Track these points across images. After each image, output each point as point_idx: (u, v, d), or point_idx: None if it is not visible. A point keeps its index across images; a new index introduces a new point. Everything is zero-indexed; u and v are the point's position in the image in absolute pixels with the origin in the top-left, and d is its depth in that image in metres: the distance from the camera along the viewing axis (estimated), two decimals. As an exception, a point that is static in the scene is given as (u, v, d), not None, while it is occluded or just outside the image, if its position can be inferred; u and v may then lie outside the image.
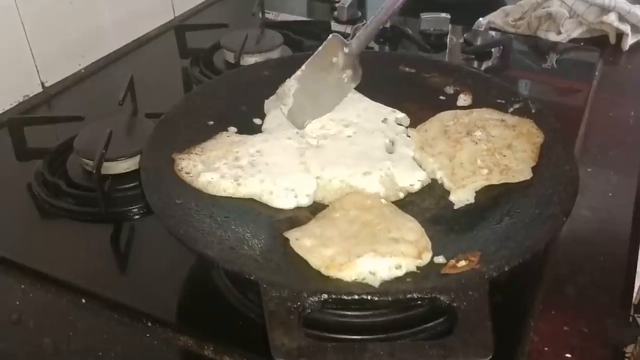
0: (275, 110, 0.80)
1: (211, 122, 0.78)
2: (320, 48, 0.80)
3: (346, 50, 0.79)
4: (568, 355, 0.59)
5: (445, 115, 0.79)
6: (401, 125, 0.79)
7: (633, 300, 0.67)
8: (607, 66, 1.13)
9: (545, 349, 0.60)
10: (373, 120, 0.79)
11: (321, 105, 0.80)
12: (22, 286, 0.66)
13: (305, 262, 0.58)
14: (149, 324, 0.62)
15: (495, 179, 0.68)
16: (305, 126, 0.78)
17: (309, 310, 0.50)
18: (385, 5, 0.79)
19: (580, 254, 0.72)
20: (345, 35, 1.16)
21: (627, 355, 0.62)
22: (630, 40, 1.16)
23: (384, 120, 0.79)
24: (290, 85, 0.79)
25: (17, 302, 0.64)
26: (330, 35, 0.80)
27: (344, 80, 0.80)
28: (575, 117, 0.96)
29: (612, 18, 1.15)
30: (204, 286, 0.67)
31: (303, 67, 0.79)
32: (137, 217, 0.76)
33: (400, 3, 0.78)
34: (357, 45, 0.79)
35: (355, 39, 0.80)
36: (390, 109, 0.81)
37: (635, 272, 0.71)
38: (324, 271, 0.56)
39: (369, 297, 0.52)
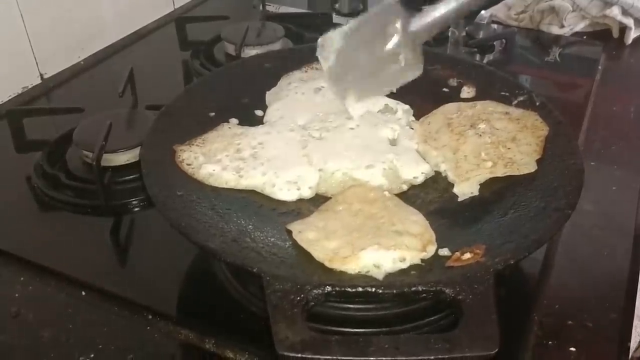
0: (277, 103, 0.80)
1: (212, 114, 0.78)
2: (374, 10, 0.66)
3: (406, 26, 0.63)
4: (572, 349, 0.59)
5: (449, 108, 0.78)
6: (405, 117, 0.79)
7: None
8: (609, 60, 1.12)
9: (550, 343, 0.59)
10: (376, 112, 0.78)
11: (367, 81, 0.67)
12: (22, 279, 0.66)
13: (308, 255, 0.57)
14: (149, 317, 0.61)
15: (500, 172, 0.67)
16: (345, 98, 0.68)
17: (313, 303, 0.50)
18: None
19: (584, 248, 0.71)
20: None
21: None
22: (633, 34, 1.16)
23: (387, 113, 0.78)
24: (333, 37, 0.66)
25: (16, 295, 0.64)
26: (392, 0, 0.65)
27: (399, 62, 0.64)
28: (578, 111, 0.95)
29: (615, 12, 1.14)
30: (204, 279, 0.66)
31: (350, 24, 0.66)
32: (137, 209, 0.75)
33: None
34: (421, 26, 0.63)
35: (419, 18, 0.63)
36: (393, 101, 0.80)
37: (639, 266, 0.70)
38: (327, 264, 0.56)
39: (374, 290, 0.51)
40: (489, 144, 0.71)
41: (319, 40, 0.68)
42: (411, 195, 0.68)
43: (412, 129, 0.77)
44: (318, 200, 0.66)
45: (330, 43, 0.67)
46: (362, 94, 0.68)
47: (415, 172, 0.69)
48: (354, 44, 0.66)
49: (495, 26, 1.20)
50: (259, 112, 0.80)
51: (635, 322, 0.65)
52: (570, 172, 0.65)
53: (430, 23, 0.63)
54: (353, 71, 0.67)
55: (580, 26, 1.18)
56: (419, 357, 0.46)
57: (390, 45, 0.63)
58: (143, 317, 0.61)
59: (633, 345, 0.63)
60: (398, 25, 0.63)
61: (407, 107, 0.80)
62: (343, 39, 0.66)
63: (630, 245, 0.71)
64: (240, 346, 0.58)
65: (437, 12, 0.63)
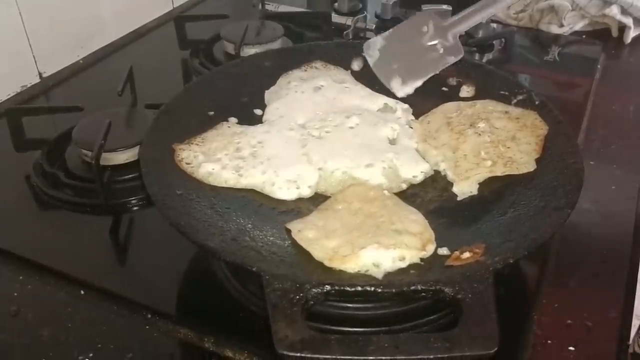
0: (276, 101, 0.80)
1: (211, 113, 0.77)
2: (407, 20, 0.85)
3: (437, 22, 0.81)
4: (572, 348, 0.59)
5: (448, 107, 0.78)
6: (404, 116, 0.79)
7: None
8: (609, 59, 1.12)
9: (549, 342, 0.59)
10: (376, 111, 0.78)
11: (411, 67, 0.82)
12: (21, 277, 0.65)
13: (307, 254, 0.57)
14: (149, 316, 0.61)
15: (499, 171, 0.67)
16: (392, 84, 0.81)
17: (312, 302, 0.50)
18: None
19: (584, 247, 0.71)
20: (345, 28, 1.17)
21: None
22: (632, 33, 1.16)
23: (387, 112, 0.78)
24: (376, 40, 0.83)
25: (16, 294, 0.64)
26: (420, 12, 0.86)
27: (437, 50, 0.81)
28: (577, 111, 0.95)
29: (614, 11, 1.14)
30: (204, 278, 0.66)
31: (390, 30, 0.84)
32: (136, 208, 0.75)
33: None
34: (452, 21, 0.82)
35: (453, 16, 0.83)
36: (393, 100, 0.80)
37: (638, 265, 0.70)
38: (327, 263, 0.56)
39: (373, 289, 0.51)
40: (488, 143, 0.71)
41: (364, 45, 0.86)
42: (410, 195, 0.68)
43: (412, 128, 0.77)
44: (317, 199, 0.66)
45: (374, 44, 0.84)
46: (407, 78, 0.82)
47: (415, 171, 0.69)
48: (394, 42, 0.84)
49: (494, 25, 1.19)
50: (258, 111, 0.80)
51: (635, 322, 0.65)
52: (570, 171, 0.65)
53: (461, 19, 0.82)
54: (396, 62, 0.83)
55: (579, 25, 1.18)
56: (419, 356, 0.46)
57: (426, 38, 0.82)
58: (142, 316, 0.61)
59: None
60: (430, 24, 0.82)
61: (406, 106, 0.80)
62: (384, 39, 0.84)
63: (630, 244, 0.71)
64: (239, 345, 0.58)
65: (465, 11, 0.82)
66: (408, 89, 0.82)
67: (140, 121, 0.83)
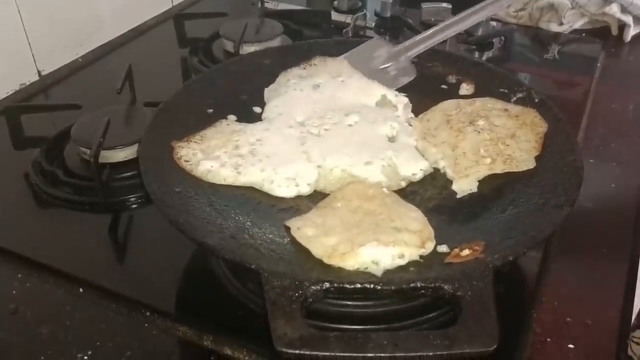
0: (275, 99, 0.79)
1: (210, 111, 0.77)
2: (362, 44, 0.87)
3: (390, 49, 0.86)
4: (571, 346, 0.59)
5: (448, 105, 0.78)
6: (404, 114, 0.78)
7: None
8: (609, 57, 1.12)
9: (548, 340, 0.59)
10: (375, 108, 0.78)
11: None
12: (19, 276, 0.65)
13: (306, 251, 0.57)
14: (148, 314, 0.61)
15: (499, 169, 0.67)
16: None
17: (311, 300, 0.50)
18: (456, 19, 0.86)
19: (583, 245, 0.71)
20: (344, 26, 1.16)
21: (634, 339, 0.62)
22: (632, 32, 1.15)
23: (386, 106, 0.78)
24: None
25: (14, 292, 0.64)
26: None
27: (389, 72, 0.84)
28: (577, 109, 0.95)
29: (614, 9, 1.14)
30: (203, 276, 0.66)
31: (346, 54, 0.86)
32: (135, 206, 0.75)
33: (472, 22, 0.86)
34: (405, 46, 0.85)
35: (406, 41, 0.86)
36: (392, 92, 0.80)
37: (638, 263, 0.70)
38: (326, 260, 0.55)
39: (372, 286, 0.51)
40: (488, 140, 0.71)
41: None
42: (410, 192, 0.67)
43: (411, 125, 0.76)
44: (316, 197, 0.66)
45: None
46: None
47: (414, 168, 0.69)
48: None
49: (494, 23, 1.19)
50: (257, 109, 0.80)
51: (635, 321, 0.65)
52: (570, 169, 0.64)
53: (414, 44, 0.86)
54: None
55: (579, 23, 1.18)
56: (418, 354, 0.46)
57: (379, 62, 0.86)
58: (141, 314, 0.61)
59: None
60: (384, 49, 0.87)
61: (406, 100, 0.79)
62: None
63: (629, 242, 0.71)
64: (238, 343, 0.58)
65: (419, 36, 0.86)
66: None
67: (139, 119, 0.83)
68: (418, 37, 0.86)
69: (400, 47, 0.86)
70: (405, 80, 0.84)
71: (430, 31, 0.86)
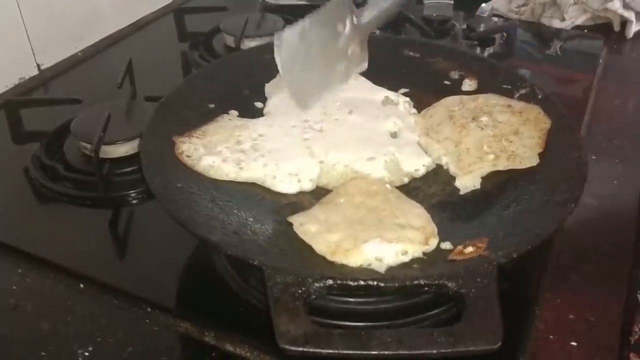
0: (278, 94, 0.79)
1: (212, 105, 0.77)
2: (326, 6, 0.67)
3: (355, 19, 0.68)
4: (574, 343, 0.59)
5: (451, 101, 0.78)
6: (406, 110, 0.78)
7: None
8: (611, 54, 1.12)
9: (551, 337, 0.59)
10: (378, 105, 0.77)
11: (320, 82, 0.69)
12: (20, 271, 0.65)
13: (309, 248, 0.57)
14: (149, 309, 0.61)
15: (502, 165, 0.67)
16: (299, 99, 0.68)
17: (314, 297, 0.50)
18: None
19: (586, 242, 0.71)
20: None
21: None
22: (634, 28, 1.15)
23: (389, 104, 0.78)
24: (290, 39, 0.66)
25: (15, 287, 0.63)
26: None
27: (348, 57, 0.69)
28: (579, 105, 0.95)
29: (616, 5, 1.14)
30: (204, 272, 0.66)
31: (306, 22, 0.66)
32: (136, 201, 0.75)
33: None
34: (369, 21, 0.69)
35: (367, 11, 0.69)
36: (394, 93, 0.80)
37: (641, 260, 0.70)
38: (329, 257, 0.55)
39: (375, 283, 0.51)
40: (491, 137, 0.70)
41: (275, 39, 0.67)
42: (413, 188, 0.67)
43: (414, 121, 0.76)
44: (319, 193, 0.66)
45: (288, 44, 0.66)
46: (314, 91, 0.69)
47: (417, 164, 0.69)
48: (308, 44, 0.66)
49: (496, 19, 1.19)
50: (259, 104, 0.80)
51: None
52: (573, 166, 0.64)
53: (375, 17, 0.69)
54: (307, 72, 0.67)
55: (581, 19, 1.18)
56: (422, 351, 0.46)
57: (340, 41, 0.67)
58: (142, 310, 0.61)
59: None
60: (348, 21, 0.67)
61: (407, 99, 0.79)
62: (299, 38, 0.66)
63: (632, 239, 0.71)
64: (240, 339, 0.58)
65: (382, 5, 0.69)
66: (313, 104, 0.70)
67: (140, 113, 0.82)
68: (378, 10, 0.70)
69: (365, 21, 0.69)
70: (356, 70, 0.72)
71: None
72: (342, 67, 0.70)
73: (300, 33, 0.66)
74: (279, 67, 0.67)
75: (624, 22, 1.16)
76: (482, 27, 1.15)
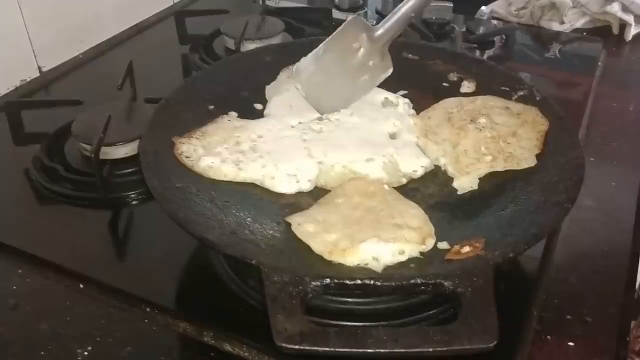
0: (277, 96, 0.79)
1: (212, 107, 0.77)
2: (339, 29, 0.74)
3: (370, 35, 0.73)
4: (571, 343, 0.59)
5: (449, 103, 0.78)
6: (405, 111, 0.78)
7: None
8: (610, 56, 1.12)
9: (548, 337, 0.59)
10: (377, 106, 0.78)
11: (343, 91, 0.75)
12: (20, 271, 0.65)
13: (307, 247, 0.57)
14: (148, 309, 0.61)
15: (500, 166, 0.67)
16: (324, 112, 0.75)
17: (311, 295, 0.50)
18: None
19: (584, 243, 0.71)
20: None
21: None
22: (633, 31, 1.15)
23: (388, 106, 0.78)
24: (307, 65, 0.75)
25: (14, 287, 0.63)
26: (351, 17, 0.75)
27: (370, 67, 0.74)
28: (577, 108, 0.95)
29: (615, 8, 1.14)
30: (203, 272, 0.66)
31: (320, 47, 0.74)
32: (135, 202, 0.75)
33: None
34: (383, 32, 0.73)
35: (381, 24, 0.74)
36: (393, 95, 0.80)
37: (638, 261, 0.70)
38: (326, 256, 0.55)
39: (372, 283, 0.51)
40: (489, 138, 0.71)
41: (294, 68, 0.77)
42: (410, 189, 0.67)
43: (413, 123, 0.76)
44: (317, 193, 0.66)
45: (305, 69, 0.75)
46: (339, 105, 0.76)
47: (415, 165, 0.69)
48: (325, 64, 0.75)
49: (495, 22, 1.19)
50: (258, 106, 0.80)
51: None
52: (571, 167, 0.64)
53: (390, 28, 0.73)
54: (328, 87, 0.75)
55: (580, 22, 1.18)
56: (418, 349, 0.46)
57: (359, 57, 0.74)
58: (141, 310, 0.61)
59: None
60: (364, 36, 0.73)
61: (407, 100, 0.80)
62: (315, 62, 0.75)
63: (630, 240, 0.71)
64: (238, 339, 0.58)
65: (395, 15, 0.73)
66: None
67: (140, 115, 0.83)
68: (392, 20, 0.74)
69: (380, 32, 0.74)
70: (383, 77, 0.76)
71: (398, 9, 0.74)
72: (365, 77, 0.75)
73: (314, 58, 0.75)
74: (300, 91, 0.76)
75: (623, 25, 1.16)
76: (481, 30, 1.15)
